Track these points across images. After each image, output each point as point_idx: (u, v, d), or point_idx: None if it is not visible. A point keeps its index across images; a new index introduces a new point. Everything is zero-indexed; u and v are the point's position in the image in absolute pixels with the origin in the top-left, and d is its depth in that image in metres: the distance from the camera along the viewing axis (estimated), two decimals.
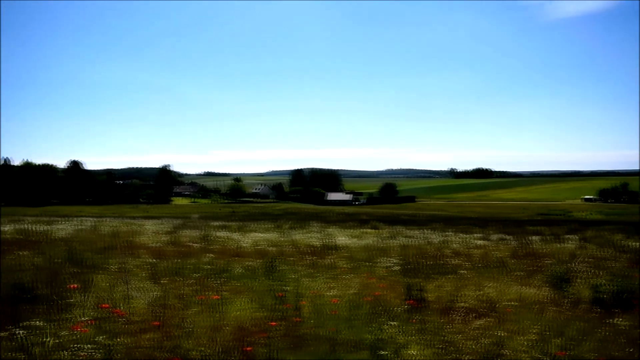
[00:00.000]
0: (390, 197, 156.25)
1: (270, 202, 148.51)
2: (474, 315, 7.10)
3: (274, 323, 6.13)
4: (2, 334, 5.58)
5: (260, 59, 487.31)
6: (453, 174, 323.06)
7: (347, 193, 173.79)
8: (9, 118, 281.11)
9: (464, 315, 7.06)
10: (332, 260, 12.31)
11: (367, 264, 12.13)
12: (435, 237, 20.40)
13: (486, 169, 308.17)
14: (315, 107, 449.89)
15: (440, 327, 6.41)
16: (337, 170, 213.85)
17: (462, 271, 11.02)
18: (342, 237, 19.73)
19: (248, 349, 5.27)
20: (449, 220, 41.24)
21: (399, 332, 6.12)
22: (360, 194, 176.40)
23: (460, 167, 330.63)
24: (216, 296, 7.31)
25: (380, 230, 25.58)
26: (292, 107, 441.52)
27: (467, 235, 21.79)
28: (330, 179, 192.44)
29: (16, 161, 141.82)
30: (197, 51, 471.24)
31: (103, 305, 6.59)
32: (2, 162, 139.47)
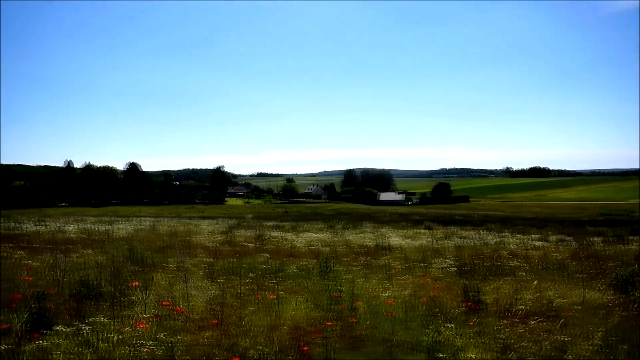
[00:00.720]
0: (443, 197, 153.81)
1: (323, 203, 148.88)
2: (534, 318, 6.90)
3: (330, 323, 6.14)
4: (69, 329, 5.81)
5: (311, 60, 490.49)
6: (509, 172, 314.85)
7: (399, 193, 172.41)
8: (71, 123, 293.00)
9: (523, 319, 6.87)
10: (386, 261, 12.23)
11: (422, 264, 12.00)
12: (491, 238, 19.98)
13: (543, 168, 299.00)
14: (367, 107, 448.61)
15: (499, 330, 6.26)
16: (389, 170, 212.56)
17: (520, 273, 10.74)
18: (395, 238, 19.61)
19: (305, 348, 5.30)
20: (505, 221, 40.23)
21: (457, 334, 6.01)
22: (413, 194, 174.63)
23: (516, 166, 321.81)
24: (272, 295, 7.38)
25: (434, 231, 25.26)
26: (344, 108, 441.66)
27: (525, 236, 21.23)
28: (382, 178, 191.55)
29: (78, 164, 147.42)
30: (250, 53, 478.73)
31: (164, 303, 6.77)
32: (65, 165, 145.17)
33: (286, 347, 5.40)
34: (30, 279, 8.18)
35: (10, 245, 13.01)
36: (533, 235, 21.94)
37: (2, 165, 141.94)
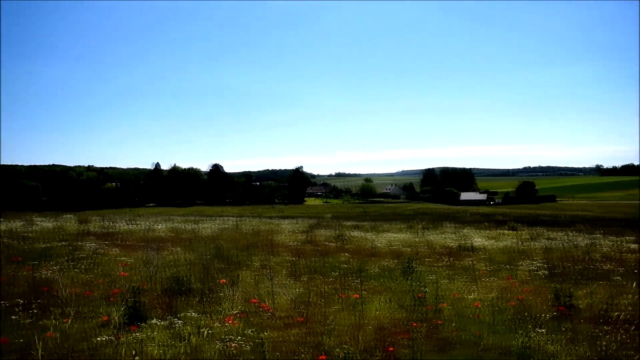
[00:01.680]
0: (528, 196, 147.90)
1: (401, 202, 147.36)
2: (632, 326, 6.51)
3: (415, 324, 6.07)
4: (162, 323, 6.09)
5: (388, 59, 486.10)
6: (599, 170, 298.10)
7: (481, 192, 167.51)
8: (159, 127, 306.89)
9: (620, 326, 6.49)
10: (470, 262, 11.95)
11: (508, 266, 11.63)
12: (581, 240, 19.04)
13: (637, 165, 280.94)
14: (445, 105, 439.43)
15: (594, 337, 5.95)
16: (470, 168, 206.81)
17: (615, 277, 10.18)
18: (478, 239, 19.12)
19: (390, 349, 5.27)
20: (595, 222, 38.19)
21: (548, 340, 5.77)
22: (496, 193, 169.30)
23: (608, 163, 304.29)
24: (355, 295, 7.40)
25: (519, 232, 24.42)
26: (422, 107, 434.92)
27: (618, 238, 20.08)
28: (462, 178, 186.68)
29: (165, 166, 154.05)
30: (324, 56, 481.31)
31: (253, 300, 6.95)
32: (153, 167, 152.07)
33: (371, 347, 5.39)
34: (126, 274, 8.65)
35: (106, 242, 13.79)
36: (627, 237, 20.72)
37: (97, 168, 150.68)
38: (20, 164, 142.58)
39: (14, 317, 6.16)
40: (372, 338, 5.67)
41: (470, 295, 8.11)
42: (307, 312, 6.53)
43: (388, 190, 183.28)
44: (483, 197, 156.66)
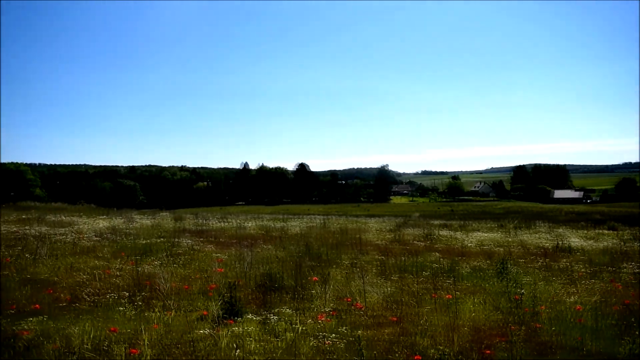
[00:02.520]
0: (629, 194, 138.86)
1: (490, 201, 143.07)
2: None
3: (513, 327, 5.87)
4: (257, 317, 6.27)
5: (474, 56, 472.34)
6: None
7: (576, 190, 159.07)
8: (247, 127, 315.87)
9: None
10: (567, 264, 11.40)
11: (609, 268, 10.98)
12: None
13: None
14: (536, 100, 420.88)
15: None
16: (564, 165, 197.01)
17: None
18: (575, 239, 18.19)
19: (487, 352, 5.12)
20: None
21: None
22: (592, 190, 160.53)
23: None
24: (448, 295, 7.27)
25: (620, 232, 22.98)
26: (512, 102, 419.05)
27: None
28: (556, 174, 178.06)
29: (253, 165, 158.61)
30: (411, 52, 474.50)
31: (346, 299, 7.00)
32: (242, 167, 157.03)
33: (467, 349, 5.28)
34: (221, 270, 8.98)
35: (201, 239, 14.37)
36: None
37: (189, 168, 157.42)
38: (120, 164, 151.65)
39: (121, 308, 6.56)
40: (468, 340, 5.55)
41: (570, 298, 7.73)
42: (400, 312, 6.50)
43: (476, 188, 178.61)
44: (578, 194, 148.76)
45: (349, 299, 7.01)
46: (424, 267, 10.36)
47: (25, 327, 5.59)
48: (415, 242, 16.16)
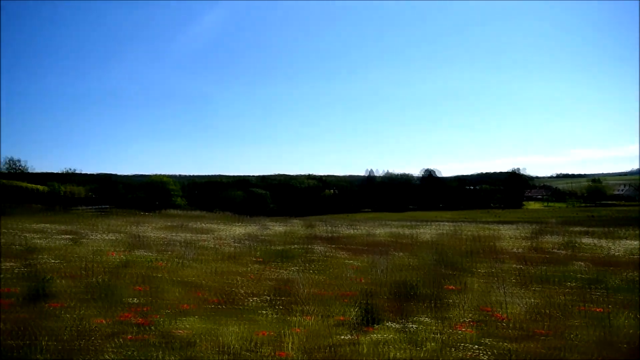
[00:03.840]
0: None
1: (638, 205, 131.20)
2: None
3: None
4: (396, 325, 6.26)
5: (620, 42, 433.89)
6: None
7: None
8: (372, 134, 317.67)
9: None
10: None
11: None
12: None
13: None
14: None
15: None
16: None
17: None
18: None
19: None
20: None
21: None
22: None
23: None
24: (599, 308, 6.77)
25: None
26: None
27: None
28: None
29: (378, 172, 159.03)
30: (548, 48, 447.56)
31: (485, 309, 6.79)
32: (367, 174, 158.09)
33: None
34: (356, 277, 9.10)
35: (333, 246, 14.66)
36: None
37: (316, 176, 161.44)
38: (251, 174, 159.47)
39: (263, 311, 6.89)
40: (623, 359, 5.13)
41: None
42: (547, 325, 6.16)
43: (620, 192, 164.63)
44: None
45: (488, 309, 6.77)
46: (567, 277, 9.75)
47: (180, 326, 6.05)
48: (554, 250, 15.25)
